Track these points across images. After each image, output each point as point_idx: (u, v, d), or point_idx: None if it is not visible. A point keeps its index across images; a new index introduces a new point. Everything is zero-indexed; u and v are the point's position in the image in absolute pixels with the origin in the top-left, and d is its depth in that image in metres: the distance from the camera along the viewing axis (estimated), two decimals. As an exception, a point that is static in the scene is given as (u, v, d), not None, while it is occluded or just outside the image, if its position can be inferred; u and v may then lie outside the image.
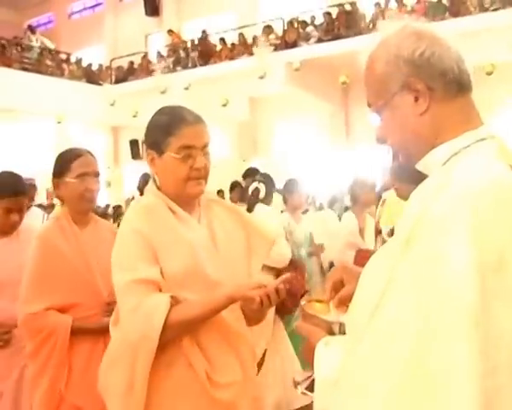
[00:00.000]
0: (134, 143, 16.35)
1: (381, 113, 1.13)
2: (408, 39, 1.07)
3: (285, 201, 4.76)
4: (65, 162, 2.27)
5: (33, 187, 3.80)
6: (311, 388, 1.15)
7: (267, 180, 4.38)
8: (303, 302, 1.32)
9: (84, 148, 2.38)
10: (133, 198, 6.26)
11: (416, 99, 1.07)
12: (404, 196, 3.79)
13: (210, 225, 1.77)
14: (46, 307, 2.15)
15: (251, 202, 4.21)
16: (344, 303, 1.30)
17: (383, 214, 3.78)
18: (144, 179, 5.08)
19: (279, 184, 5.07)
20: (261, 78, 12.62)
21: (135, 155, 16.38)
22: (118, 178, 16.79)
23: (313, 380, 1.13)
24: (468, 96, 1.09)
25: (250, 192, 4.28)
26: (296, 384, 1.23)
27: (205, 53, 14.88)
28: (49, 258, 2.20)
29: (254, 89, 13.13)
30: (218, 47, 14.86)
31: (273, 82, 12.69)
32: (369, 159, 12.19)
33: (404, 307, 0.91)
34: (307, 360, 1.17)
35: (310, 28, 13.28)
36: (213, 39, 15.39)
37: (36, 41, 16.68)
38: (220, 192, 8.97)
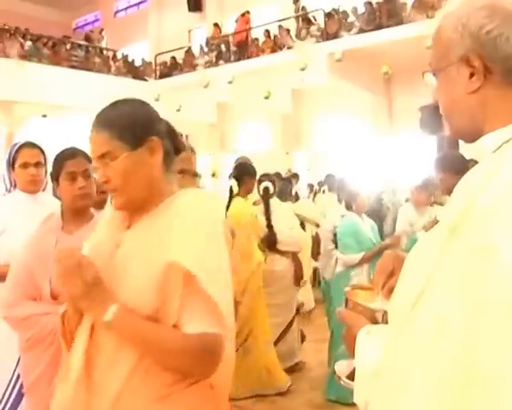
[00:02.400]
0: (178, 137, 16.54)
1: (437, 76, 1.09)
2: (480, 11, 0.99)
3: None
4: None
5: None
6: (352, 377, 1.13)
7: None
8: (347, 289, 1.28)
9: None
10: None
11: (471, 76, 1.01)
12: (449, 187, 3.79)
13: (137, 230, 1.51)
14: None
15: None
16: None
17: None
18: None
19: (322, 176, 5.32)
20: (303, 70, 12.58)
21: (177, 149, 16.68)
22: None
23: (354, 369, 1.11)
24: None
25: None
26: (337, 374, 1.21)
27: (246, 46, 14.93)
28: None
29: (296, 81, 13.08)
30: (261, 39, 14.88)
31: (315, 73, 12.60)
32: (413, 149, 12.07)
33: (451, 302, 0.86)
34: (348, 349, 1.14)
35: (351, 18, 13.15)
36: (255, 32, 15.43)
37: (98, 41, 17.32)
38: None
